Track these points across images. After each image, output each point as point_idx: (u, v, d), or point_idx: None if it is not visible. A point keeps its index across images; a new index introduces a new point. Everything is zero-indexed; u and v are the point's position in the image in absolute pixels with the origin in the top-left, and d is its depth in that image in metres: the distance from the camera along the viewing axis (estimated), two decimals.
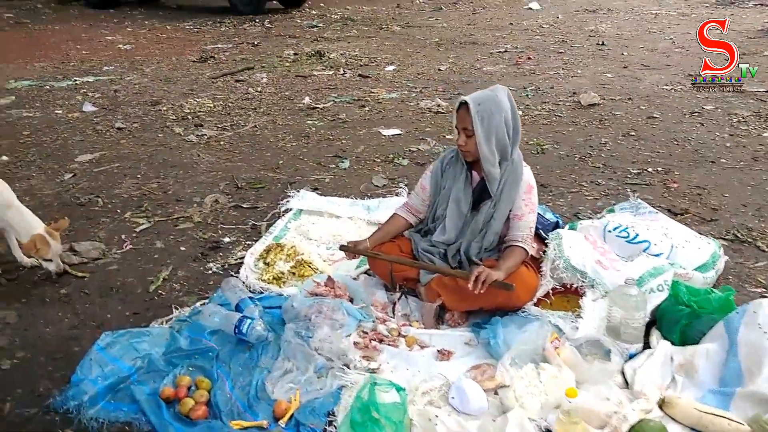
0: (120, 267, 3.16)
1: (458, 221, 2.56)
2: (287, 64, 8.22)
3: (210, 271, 3.08)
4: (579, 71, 7.17)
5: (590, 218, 3.13)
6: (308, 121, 5.70)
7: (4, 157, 4.82)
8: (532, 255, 2.49)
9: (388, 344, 2.37)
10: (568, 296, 2.43)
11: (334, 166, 4.54)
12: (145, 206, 3.89)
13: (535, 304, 2.39)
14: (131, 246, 3.37)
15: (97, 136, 5.37)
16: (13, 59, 8.60)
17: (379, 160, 4.63)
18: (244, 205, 3.86)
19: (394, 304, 2.62)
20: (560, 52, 8.26)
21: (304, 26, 11.23)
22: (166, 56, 8.81)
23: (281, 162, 4.65)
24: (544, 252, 2.55)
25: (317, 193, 3.95)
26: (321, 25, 11.32)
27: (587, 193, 3.89)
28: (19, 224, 2.95)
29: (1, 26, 11.56)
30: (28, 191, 4.14)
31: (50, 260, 2.94)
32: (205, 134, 5.36)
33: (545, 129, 5.21)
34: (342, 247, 2.67)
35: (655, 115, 5.49)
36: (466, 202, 2.55)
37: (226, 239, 3.42)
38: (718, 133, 4.97)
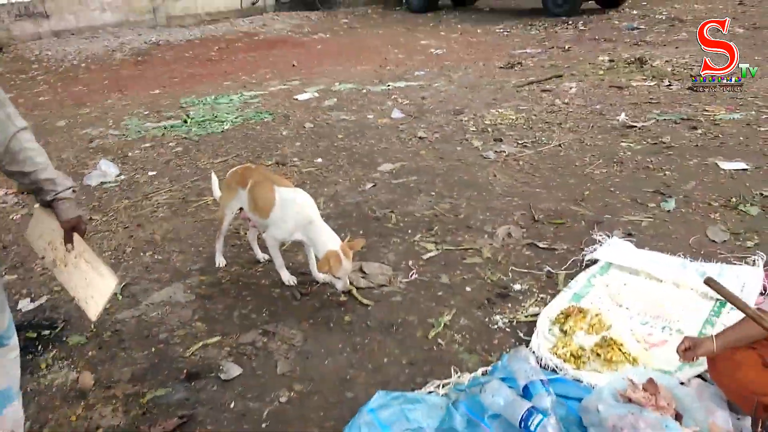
0: (403, 299, 2.97)
1: None
2: (601, 72, 7.41)
3: (495, 326, 2.68)
4: None
5: None
6: (622, 143, 4.91)
7: (319, 159, 5.17)
8: None
9: None
10: None
11: (654, 205, 3.74)
12: (435, 229, 3.68)
13: None
14: (417, 276, 3.17)
15: (400, 144, 5.44)
16: (343, 62, 9.52)
17: (716, 204, 3.66)
18: (540, 244, 3.37)
19: None
20: None
21: (622, 28, 10.15)
22: (473, 61, 8.77)
23: (587, 193, 4.02)
24: None
25: (631, 242, 3.24)
26: (643, 27, 10.09)
27: None
28: (317, 240, 2.94)
29: (337, 31, 13.03)
30: (333, 197, 4.30)
31: (339, 278, 2.88)
32: (504, 151, 5.00)
33: None
34: (680, 349, 1.98)
35: None
36: None
37: (517, 286, 2.98)
38: None
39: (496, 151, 5.00)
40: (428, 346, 2.59)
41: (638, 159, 4.53)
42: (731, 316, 2.52)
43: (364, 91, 7.54)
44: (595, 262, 3.04)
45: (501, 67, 8.20)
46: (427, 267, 3.25)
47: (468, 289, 3.00)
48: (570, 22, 10.93)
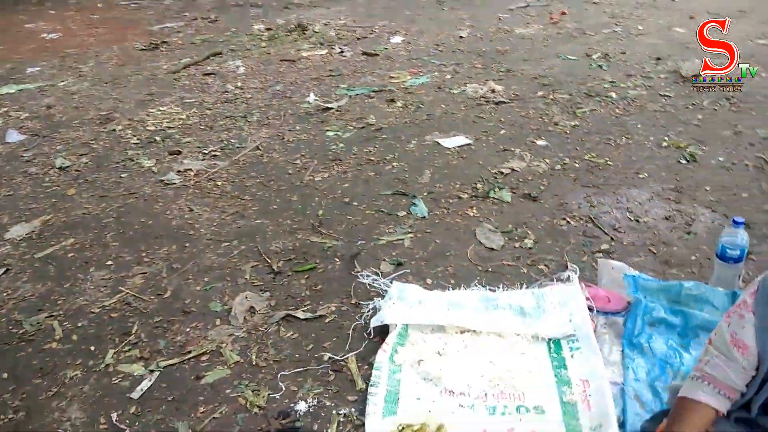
0: None
1: None
2: (263, 44, 6.54)
3: None
4: (639, 27, 5.79)
5: None
6: (328, 132, 4.16)
7: None
8: None
9: None
10: None
11: (404, 213, 3.07)
12: (136, 331, 2.37)
13: None
14: None
15: (32, 184, 3.72)
16: None
17: (465, 195, 3.18)
18: (301, 315, 2.37)
19: None
20: (596, 3, 6.84)
21: None
22: (104, 45, 6.96)
23: (321, 212, 3.15)
24: None
25: (407, 277, 2.49)
26: None
27: None
28: None
29: None
30: None
31: None
32: (190, 168, 3.77)
33: (665, 119, 3.84)
34: None
35: None
36: None
37: (301, 405, 1.95)
38: None
39: (179, 171, 3.74)
40: None
41: (355, 151, 3.83)
42: (575, 359, 1.98)
43: None
44: (386, 327, 2.20)
45: (143, 49, 6.65)
46: (145, 415, 1.97)
47: None
48: None
